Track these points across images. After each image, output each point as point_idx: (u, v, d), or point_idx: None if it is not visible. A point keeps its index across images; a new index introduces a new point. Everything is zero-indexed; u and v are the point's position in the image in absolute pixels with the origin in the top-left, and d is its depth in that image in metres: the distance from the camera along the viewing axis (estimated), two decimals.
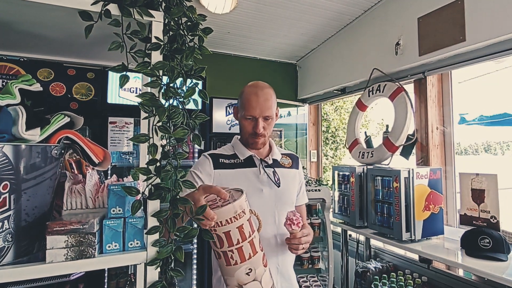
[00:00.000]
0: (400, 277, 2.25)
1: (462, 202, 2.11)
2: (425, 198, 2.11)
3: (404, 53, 2.55)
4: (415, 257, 2.40)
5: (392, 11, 2.67)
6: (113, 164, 2.37)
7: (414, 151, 2.56)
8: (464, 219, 2.07)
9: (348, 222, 2.52)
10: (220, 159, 1.29)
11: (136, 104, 0.86)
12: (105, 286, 2.08)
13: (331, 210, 2.68)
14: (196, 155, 2.66)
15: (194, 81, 0.91)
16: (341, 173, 2.66)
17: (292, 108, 4.00)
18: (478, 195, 2.06)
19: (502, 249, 1.79)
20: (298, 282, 2.67)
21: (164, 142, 0.83)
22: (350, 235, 2.91)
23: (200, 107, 2.64)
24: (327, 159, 7.78)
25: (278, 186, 1.30)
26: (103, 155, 0.85)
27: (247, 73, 3.71)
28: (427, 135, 2.48)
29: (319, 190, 2.50)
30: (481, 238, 1.85)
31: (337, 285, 2.91)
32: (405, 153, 2.56)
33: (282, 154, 1.45)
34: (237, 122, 2.71)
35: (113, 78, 2.24)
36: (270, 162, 1.35)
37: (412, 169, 2.09)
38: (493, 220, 1.96)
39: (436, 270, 2.27)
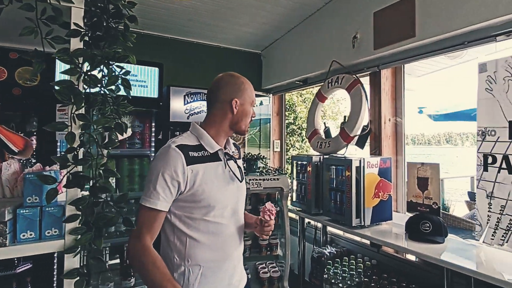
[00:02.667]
0: (352, 261, 2.36)
1: (409, 189, 2.24)
2: (375, 186, 2.22)
3: (361, 47, 2.62)
4: (368, 242, 2.53)
5: (351, 4, 2.73)
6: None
7: (368, 141, 2.67)
8: (410, 206, 2.20)
9: (305, 210, 2.60)
10: (190, 153, 1.20)
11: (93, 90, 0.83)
12: (54, 279, 2.02)
13: (289, 198, 2.75)
14: (154, 144, 2.62)
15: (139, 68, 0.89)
16: (299, 162, 2.73)
17: (257, 98, 4.02)
18: (423, 183, 2.19)
19: (440, 232, 1.92)
20: (257, 268, 2.74)
21: (105, 130, 0.82)
22: (309, 222, 3.01)
23: (156, 95, 2.61)
24: (294, 150, 7.92)
25: (241, 181, 1.32)
26: (23, 144, 0.81)
27: (210, 61, 3.66)
28: (380, 126, 2.59)
29: (278, 179, 2.55)
30: (422, 222, 1.97)
31: (295, 271, 3.01)
32: (360, 143, 2.66)
33: None
34: (196, 111, 2.75)
35: (62, 63, 2.12)
36: (232, 154, 1.35)
37: (363, 158, 2.18)
38: (435, 206, 2.09)
39: (384, 254, 2.40)
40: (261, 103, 4.06)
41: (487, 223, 1.84)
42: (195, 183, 1.17)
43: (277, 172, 2.71)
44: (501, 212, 1.79)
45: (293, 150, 7.92)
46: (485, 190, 1.87)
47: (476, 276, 1.53)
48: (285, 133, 4.06)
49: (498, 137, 1.83)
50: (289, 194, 2.69)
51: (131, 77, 2.43)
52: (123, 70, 0.87)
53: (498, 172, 1.82)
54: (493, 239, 1.79)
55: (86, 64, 0.79)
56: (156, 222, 1.13)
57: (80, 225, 0.76)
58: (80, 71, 0.79)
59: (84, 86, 0.80)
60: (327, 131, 2.93)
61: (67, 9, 0.79)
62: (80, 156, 0.76)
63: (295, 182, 2.76)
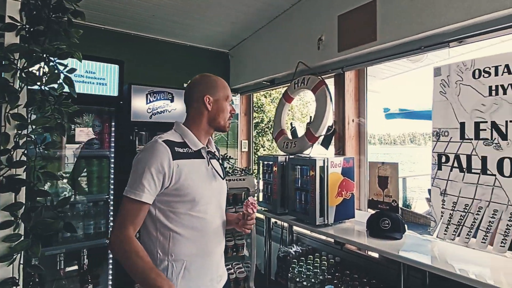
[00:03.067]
0: (316, 259, 2.40)
1: (370, 188, 2.31)
2: (338, 185, 2.27)
3: (326, 49, 2.67)
4: (332, 240, 2.58)
5: (316, 6, 2.77)
6: None
7: (333, 141, 2.73)
8: (371, 204, 2.27)
9: (271, 210, 2.61)
10: (176, 148, 1.24)
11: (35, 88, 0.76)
12: None
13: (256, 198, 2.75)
14: (113, 144, 2.50)
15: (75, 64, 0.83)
16: (265, 162, 2.74)
17: None
18: (383, 182, 2.26)
19: (398, 229, 2.00)
20: None
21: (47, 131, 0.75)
22: (275, 222, 3.02)
23: (116, 93, 2.50)
24: (264, 150, 7.97)
25: (223, 178, 1.37)
26: None
27: (175, 59, 3.57)
28: (344, 127, 2.66)
29: (244, 180, 2.55)
30: (382, 220, 2.04)
31: (262, 270, 3.02)
32: (325, 143, 2.71)
33: None
34: (159, 110, 2.68)
35: None
36: (214, 152, 1.40)
37: (327, 158, 2.22)
38: (394, 203, 2.17)
39: (348, 251, 2.46)
40: (232, 102, 4.02)
41: (441, 218, 1.94)
42: (180, 177, 1.20)
43: (243, 172, 2.70)
44: (453, 208, 1.89)
45: (263, 150, 7.97)
46: (439, 187, 1.97)
47: (430, 270, 1.61)
48: (253, 133, 4.06)
49: (451, 137, 1.93)
50: (256, 194, 2.69)
51: (89, 74, 2.32)
52: (67, 68, 0.80)
53: (451, 170, 1.92)
54: (446, 234, 1.88)
55: (24, 60, 0.73)
56: (140, 214, 1.16)
57: (15, 232, 0.70)
58: (15, 67, 0.72)
59: (21, 83, 0.73)
60: (293, 131, 2.96)
61: (2, 2, 0.72)
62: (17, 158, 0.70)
63: (261, 182, 2.76)
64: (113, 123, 2.50)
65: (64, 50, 0.78)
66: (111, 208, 2.40)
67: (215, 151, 1.42)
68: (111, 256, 2.37)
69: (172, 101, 2.69)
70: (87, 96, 2.30)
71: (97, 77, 2.38)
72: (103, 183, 2.48)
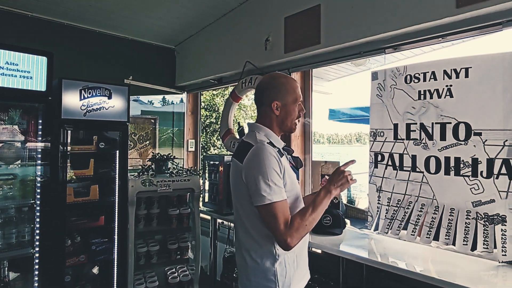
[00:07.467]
0: None
1: (314, 186, 2.38)
2: None
3: (273, 49, 2.69)
4: None
5: (263, 6, 2.78)
6: None
7: None
8: None
9: (217, 210, 2.57)
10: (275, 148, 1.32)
11: None
12: None
13: (201, 199, 2.68)
14: (40, 144, 2.24)
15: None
16: (211, 162, 2.68)
17: (169, 95, 3.83)
18: (325, 180, 2.34)
19: (339, 225, 2.08)
20: (166, 274, 2.61)
21: None
22: (222, 222, 2.98)
23: (44, 88, 2.26)
24: (214, 149, 7.85)
25: (297, 170, 1.45)
26: None
27: (115, 53, 3.36)
28: None
29: (189, 180, 2.46)
30: (324, 216, 2.11)
31: (208, 272, 2.96)
32: None
33: None
34: (96, 107, 2.47)
35: None
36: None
37: None
38: (335, 200, 2.26)
39: None
40: (181, 101, 3.90)
41: (377, 213, 2.06)
42: (285, 175, 1.26)
43: (188, 172, 2.61)
44: (388, 203, 2.02)
45: (214, 150, 7.84)
46: (375, 184, 2.09)
47: (366, 263, 1.70)
48: (200, 133, 3.97)
49: (386, 137, 2.06)
50: (201, 195, 2.63)
51: (11, 66, 2.06)
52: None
53: (385, 168, 2.05)
54: (381, 228, 2.01)
55: None
56: (287, 208, 1.22)
57: None
58: None
59: None
60: (240, 131, 2.94)
61: None
62: None
63: (207, 183, 2.70)
64: (40, 121, 2.24)
65: None
66: (37, 214, 2.16)
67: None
68: (37, 267, 2.14)
69: (110, 97, 2.49)
70: (5, 90, 2.04)
71: (20, 70, 2.10)
72: (27, 187, 2.23)
